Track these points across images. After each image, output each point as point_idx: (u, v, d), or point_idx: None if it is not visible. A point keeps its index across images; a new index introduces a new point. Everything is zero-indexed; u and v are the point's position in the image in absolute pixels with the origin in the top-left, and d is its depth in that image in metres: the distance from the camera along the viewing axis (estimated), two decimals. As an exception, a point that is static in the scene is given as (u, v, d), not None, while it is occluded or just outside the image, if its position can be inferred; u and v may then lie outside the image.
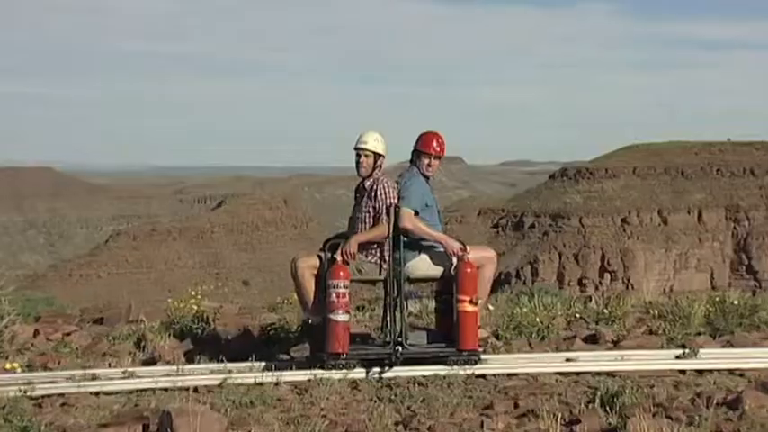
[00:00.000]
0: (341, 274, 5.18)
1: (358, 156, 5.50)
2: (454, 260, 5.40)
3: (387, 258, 5.41)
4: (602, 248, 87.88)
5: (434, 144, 5.60)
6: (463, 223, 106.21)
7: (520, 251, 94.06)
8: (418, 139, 5.65)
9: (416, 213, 5.44)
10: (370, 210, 5.47)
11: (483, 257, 5.52)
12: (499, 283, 70.21)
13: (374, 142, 5.47)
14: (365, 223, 5.48)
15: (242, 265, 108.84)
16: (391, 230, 5.38)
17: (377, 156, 5.49)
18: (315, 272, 5.39)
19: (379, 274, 5.45)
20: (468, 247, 5.40)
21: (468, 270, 5.29)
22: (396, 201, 5.44)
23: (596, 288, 78.16)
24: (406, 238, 5.41)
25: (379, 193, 5.44)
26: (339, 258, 5.25)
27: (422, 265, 5.47)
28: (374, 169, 5.51)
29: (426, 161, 5.61)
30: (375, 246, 5.45)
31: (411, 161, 5.71)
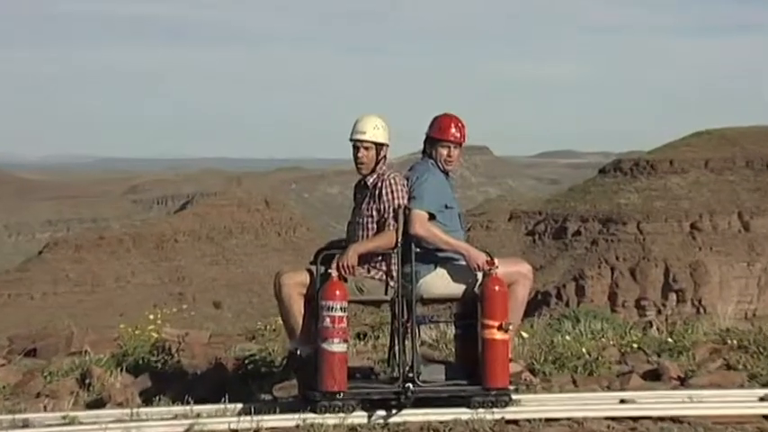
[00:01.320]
0: (337, 293, 5.19)
1: (356, 149, 5.53)
2: (479, 276, 5.41)
3: (394, 274, 5.42)
4: (667, 261, 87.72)
5: (453, 129, 5.62)
6: (490, 229, 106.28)
7: (562, 265, 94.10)
8: (432, 124, 5.67)
9: (432, 217, 5.46)
10: (374, 212, 5.49)
11: (515, 272, 5.54)
12: (536, 304, 70.22)
13: (374, 130, 5.50)
14: (367, 229, 5.51)
15: (212, 283, 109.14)
16: (400, 238, 5.40)
17: (379, 146, 5.52)
18: (304, 291, 5.40)
19: (385, 293, 5.47)
20: (496, 260, 5.41)
21: (497, 288, 5.31)
22: (405, 201, 5.46)
23: (659, 311, 77.99)
24: (418, 249, 5.42)
25: (384, 191, 5.47)
26: (335, 273, 5.27)
27: (438, 281, 5.49)
28: (377, 163, 5.54)
29: (444, 151, 5.63)
30: (380, 258, 5.47)
31: (424, 152, 5.72)
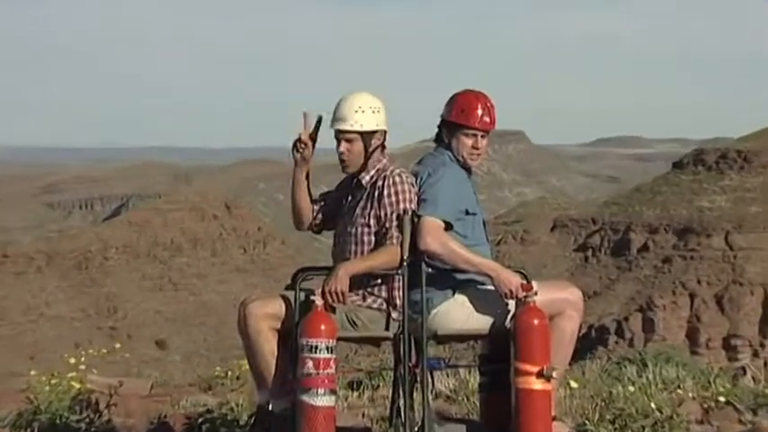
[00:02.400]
0: (322, 328, 5.18)
1: (337, 141, 5.57)
2: (511, 305, 5.44)
3: (398, 302, 5.45)
4: (766, 286, 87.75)
5: (479, 111, 5.65)
6: (527, 242, 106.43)
7: (623, 290, 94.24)
8: (450, 104, 5.70)
9: (448, 227, 5.48)
10: (372, 221, 5.51)
11: (560, 300, 5.57)
12: (588, 343, 70.16)
13: (359, 116, 5.50)
14: (362, 243, 5.53)
15: (155, 315, 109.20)
16: (406, 255, 5.42)
17: (367, 136, 5.53)
18: (278, 325, 5.41)
19: (386, 327, 5.49)
20: (534, 284, 5.43)
21: (536, 321, 5.31)
22: (414, 206, 5.48)
23: (755, 354, 77.97)
24: (430, 269, 5.44)
25: (387, 192, 5.48)
26: (319, 302, 5.27)
27: (457, 312, 5.51)
28: (369, 157, 5.55)
29: (468, 141, 5.66)
30: (379, 281, 5.50)
31: (438, 140, 5.76)
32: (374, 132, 5.54)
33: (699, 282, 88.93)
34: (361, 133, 5.52)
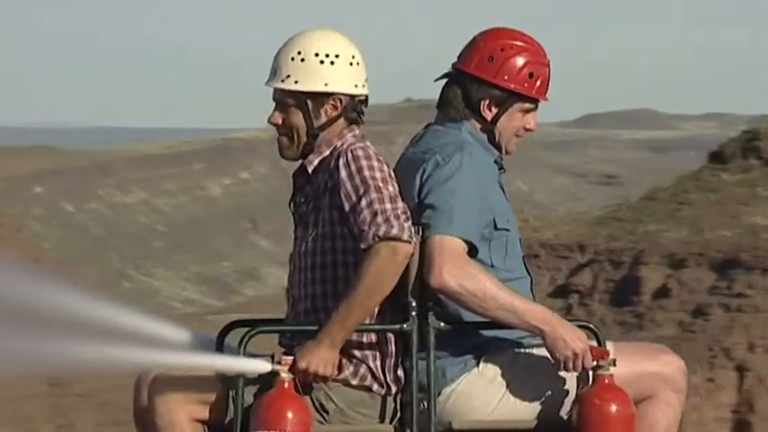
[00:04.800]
0: (289, 417, 5.21)
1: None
2: (570, 381, 5.56)
3: (392, 374, 5.53)
4: None
5: (548, 74, 5.73)
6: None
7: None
8: (501, 57, 5.70)
9: (472, 250, 5.51)
10: (328, 225, 5.54)
11: (651, 375, 5.67)
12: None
13: (295, 66, 5.54)
14: (319, 265, 5.57)
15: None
16: (408, 298, 5.47)
17: (312, 100, 5.56)
18: (205, 415, 5.46)
19: (381, 416, 5.55)
20: (609, 346, 5.55)
21: (613, 408, 5.40)
22: (405, 217, 5.43)
23: None
24: (442, 324, 5.51)
25: (344, 173, 5.45)
26: (287, 376, 5.29)
27: (483, 392, 5.60)
28: (315, 134, 5.58)
29: (529, 121, 5.84)
30: (364, 343, 5.54)
31: (444, 105, 5.81)
32: (325, 96, 5.55)
33: (751, 348, 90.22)
34: (298, 94, 5.54)
